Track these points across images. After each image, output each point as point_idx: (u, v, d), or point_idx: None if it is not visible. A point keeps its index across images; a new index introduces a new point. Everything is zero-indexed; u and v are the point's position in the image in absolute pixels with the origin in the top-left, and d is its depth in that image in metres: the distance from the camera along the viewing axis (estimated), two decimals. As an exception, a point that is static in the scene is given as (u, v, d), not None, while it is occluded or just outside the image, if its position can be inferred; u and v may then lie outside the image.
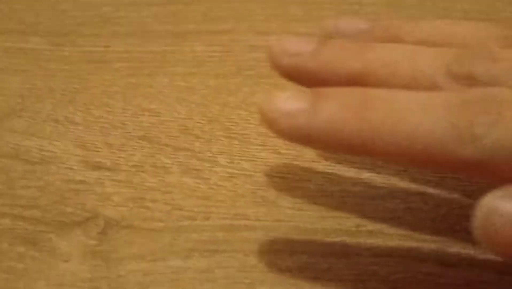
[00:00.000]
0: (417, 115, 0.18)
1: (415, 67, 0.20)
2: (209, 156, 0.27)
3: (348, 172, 0.27)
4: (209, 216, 0.25)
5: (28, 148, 0.28)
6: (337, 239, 0.24)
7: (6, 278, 0.23)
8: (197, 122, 0.29)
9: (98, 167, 0.27)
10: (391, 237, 0.24)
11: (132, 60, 0.33)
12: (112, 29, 0.35)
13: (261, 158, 0.27)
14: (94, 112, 0.30)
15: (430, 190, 0.26)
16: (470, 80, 0.19)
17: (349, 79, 0.21)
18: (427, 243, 0.24)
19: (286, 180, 0.26)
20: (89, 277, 0.23)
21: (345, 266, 0.23)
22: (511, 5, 0.37)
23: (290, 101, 0.19)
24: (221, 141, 0.28)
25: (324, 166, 0.27)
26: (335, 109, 0.19)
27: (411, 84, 0.20)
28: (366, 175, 0.26)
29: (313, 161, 0.27)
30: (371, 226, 0.24)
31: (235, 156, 0.28)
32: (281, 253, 0.23)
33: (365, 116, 0.18)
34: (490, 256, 0.22)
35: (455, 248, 0.24)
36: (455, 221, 0.24)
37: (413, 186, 0.26)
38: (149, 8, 0.37)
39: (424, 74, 0.20)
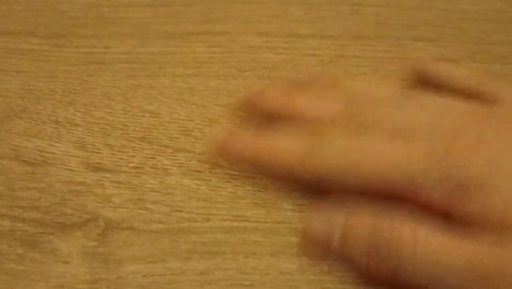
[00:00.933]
0: (285, 142, 0.25)
1: (321, 109, 0.27)
2: (209, 157, 0.27)
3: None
4: (209, 218, 0.25)
5: (28, 149, 0.28)
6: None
7: (6, 280, 0.23)
8: (198, 124, 0.29)
9: (98, 168, 0.27)
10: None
11: (132, 61, 0.33)
12: (112, 30, 0.35)
13: (261, 159, 0.27)
14: (94, 114, 0.30)
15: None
16: (352, 119, 0.25)
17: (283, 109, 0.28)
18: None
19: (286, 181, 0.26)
20: (88, 279, 0.23)
21: (345, 268, 0.23)
22: (511, 6, 0.37)
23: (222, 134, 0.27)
24: (221, 143, 0.28)
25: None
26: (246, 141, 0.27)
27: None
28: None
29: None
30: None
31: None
32: (281, 255, 0.23)
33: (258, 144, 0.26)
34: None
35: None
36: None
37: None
38: (149, 9, 0.37)
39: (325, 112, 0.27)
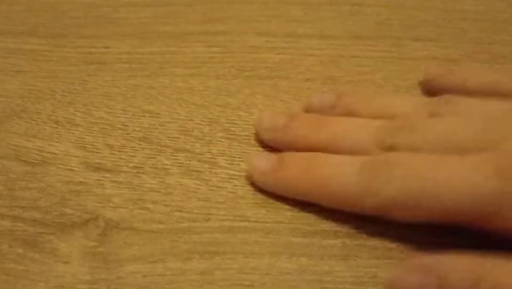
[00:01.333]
0: (339, 174, 0.24)
1: (356, 140, 0.25)
2: (209, 157, 0.27)
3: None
4: (209, 218, 0.25)
5: (28, 149, 0.28)
6: (337, 241, 0.24)
7: (6, 280, 0.23)
8: (197, 124, 0.29)
9: (98, 168, 0.27)
10: (391, 239, 0.24)
11: (132, 61, 0.33)
12: (112, 30, 0.35)
13: (261, 159, 0.27)
14: (94, 114, 0.30)
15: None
16: (394, 149, 0.24)
17: (310, 148, 0.26)
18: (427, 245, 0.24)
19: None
20: (88, 279, 0.23)
21: (345, 268, 0.23)
22: (511, 6, 0.37)
23: (262, 162, 0.26)
24: (221, 143, 0.28)
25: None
26: (292, 170, 0.25)
27: (353, 152, 0.25)
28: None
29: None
30: (371, 228, 0.24)
31: (235, 157, 0.28)
32: (281, 255, 0.23)
33: (309, 175, 0.24)
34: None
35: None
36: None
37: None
38: (149, 9, 0.37)
39: (361, 145, 0.25)
